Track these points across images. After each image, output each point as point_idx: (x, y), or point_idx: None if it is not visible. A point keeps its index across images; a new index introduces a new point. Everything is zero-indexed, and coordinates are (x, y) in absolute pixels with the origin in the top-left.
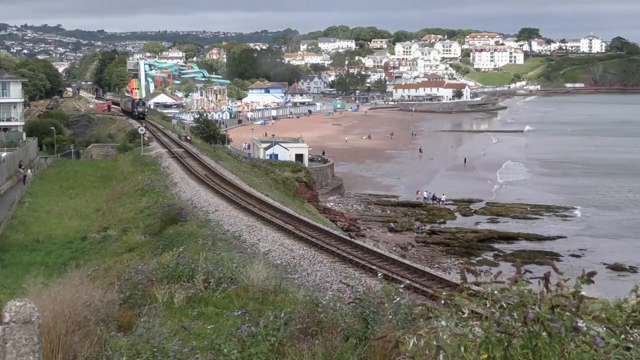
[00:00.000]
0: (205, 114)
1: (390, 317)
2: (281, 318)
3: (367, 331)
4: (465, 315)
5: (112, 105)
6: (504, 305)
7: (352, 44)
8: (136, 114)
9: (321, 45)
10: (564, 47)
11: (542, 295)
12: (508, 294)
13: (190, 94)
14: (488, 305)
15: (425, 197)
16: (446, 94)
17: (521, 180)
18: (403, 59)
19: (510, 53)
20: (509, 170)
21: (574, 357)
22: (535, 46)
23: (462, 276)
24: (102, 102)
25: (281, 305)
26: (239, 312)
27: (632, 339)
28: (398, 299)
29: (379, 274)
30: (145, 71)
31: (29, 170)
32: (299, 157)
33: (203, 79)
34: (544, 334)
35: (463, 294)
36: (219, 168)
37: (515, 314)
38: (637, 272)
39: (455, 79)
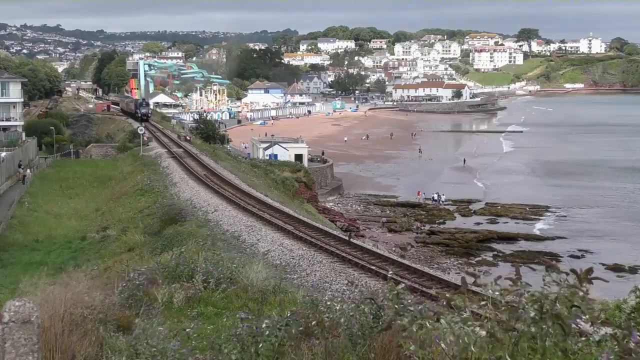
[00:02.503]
0: (204, 114)
1: (403, 319)
2: (285, 318)
3: (373, 331)
4: (466, 315)
5: (112, 105)
6: (513, 304)
7: (351, 44)
8: (139, 115)
9: (321, 46)
10: (564, 48)
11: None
12: (514, 292)
13: (189, 94)
14: (489, 306)
15: (435, 199)
16: (445, 94)
17: (518, 181)
18: (402, 59)
19: (510, 53)
20: (501, 171)
21: (580, 356)
22: (535, 46)
23: (462, 282)
24: (101, 102)
25: (285, 305)
26: (243, 315)
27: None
28: (414, 302)
29: (389, 274)
30: (144, 71)
31: (29, 170)
32: (299, 157)
33: (202, 79)
34: (549, 331)
35: (464, 296)
36: (219, 168)
37: (529, 309)
38: (636, 273)
39: (454, 79)
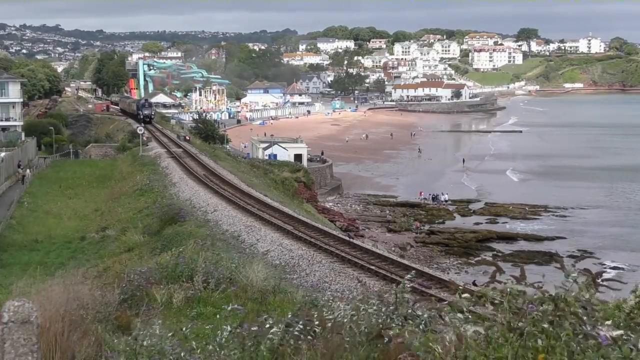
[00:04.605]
0: (204, 114)
1: (405, 320)
2: (285, 319)
3: (376, 330)
4: (468, 316)
5: (112, 105)
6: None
7: (351, 44)
8: (141, 117)
9: (320, 45)
10: (563, 48)
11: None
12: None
13: (189, 94)
14: (491, 308)
15: (445, 200)
16: (445, 94)
17: (513, 181)
18: (402, 59)
19: (509, 53)
20: (497, 171)
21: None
22: (534, 46)
23: (453, 286)
24: (101, 102)
25: (282, 306)
26: (231, 307)
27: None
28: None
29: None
30: (144, 71)
31: (28, 170)
32: (298, 157)
33: (202, 79)
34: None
35: (465, 296)
36: (218, 168)
37: (543, 307)
38: (636, 272)
39: (454, 79)
